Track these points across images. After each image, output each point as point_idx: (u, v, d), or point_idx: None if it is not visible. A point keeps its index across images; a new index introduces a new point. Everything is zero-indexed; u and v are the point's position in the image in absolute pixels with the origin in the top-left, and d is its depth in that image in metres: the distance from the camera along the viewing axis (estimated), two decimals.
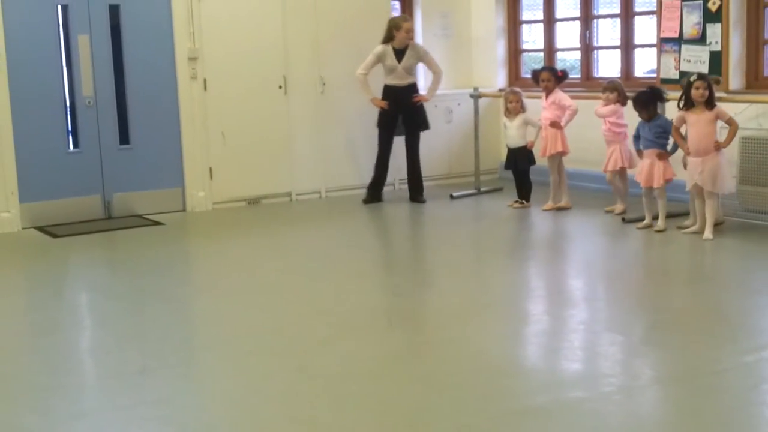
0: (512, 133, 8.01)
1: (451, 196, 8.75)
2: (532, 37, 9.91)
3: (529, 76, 8.85)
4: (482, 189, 8.99)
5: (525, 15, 9.76)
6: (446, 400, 3.88)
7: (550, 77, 7.92)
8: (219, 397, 4.06)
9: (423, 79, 9.00)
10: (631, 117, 7.31)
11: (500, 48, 9.76)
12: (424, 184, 8.77)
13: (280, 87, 8.71)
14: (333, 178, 8.95)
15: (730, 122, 6.56)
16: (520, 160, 8.08)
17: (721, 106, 6.60)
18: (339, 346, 4.66)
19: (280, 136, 8.71)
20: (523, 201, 8.12)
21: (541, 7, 9.45)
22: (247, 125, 8.56)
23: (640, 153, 7.06)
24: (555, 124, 7.83)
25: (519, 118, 7.98)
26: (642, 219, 7.11)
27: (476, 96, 9.05)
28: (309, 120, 8.84)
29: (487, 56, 9.80)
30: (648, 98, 6.99)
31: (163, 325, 5.09)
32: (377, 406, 3.87)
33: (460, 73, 9.86)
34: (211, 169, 8.44)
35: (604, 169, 7.63)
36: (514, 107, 8.02)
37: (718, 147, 6.54)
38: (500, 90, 9.27)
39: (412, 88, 8.56)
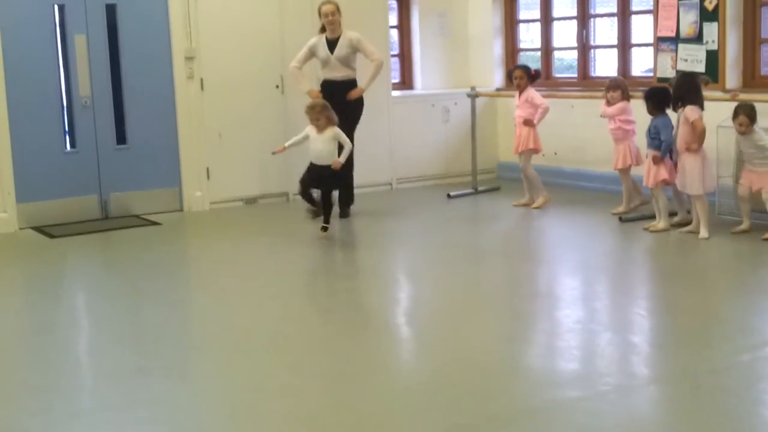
0: (319, 147, 7.15)
1: (449, 196, 8.75)
2: (530, 36, 9.91)
3: None
4: (479, 189, 8.99)
5: (522, 14, 9.77)
6: (442, 400, 3.88)
7: (523, 75, 7.96)
8: (215, 398, 4.05)
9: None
10: (638, 114, 7.24)
11: (497, 47, 9.76)
12: (422, 184, 8.73)
13: (277, 87, 8.70)
14: None
15: (695, 125, 6.51)
16: (328, 177, 7.16)
17: (691, 109, 6.52)
18: (334, 345, 4.66)
19: (277, 136, 8.67)
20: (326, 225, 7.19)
21: (538, 6, 9.45)
22: (244, 125, 8.56)
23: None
24: (528, 122, 7.89)
25: (329, 131, 7.17)
26: (639, 218, 7.12)
27: (473, 95, 9.04)
28: (306, 120, 8.81)
29: (484, 56, 9.80)
30: (651, 94, 6.94)
31: (159, 326, 5.09)
32: (373, 406, 3.87)
33: (457, 72, 9.86)
34: (208, 169, 8.44)
35: (614, 167, 7.57)
36: (325, 122, 7.13)
37: (688, 148, 6.55)
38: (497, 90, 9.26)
39: (350, 84, 7.89)
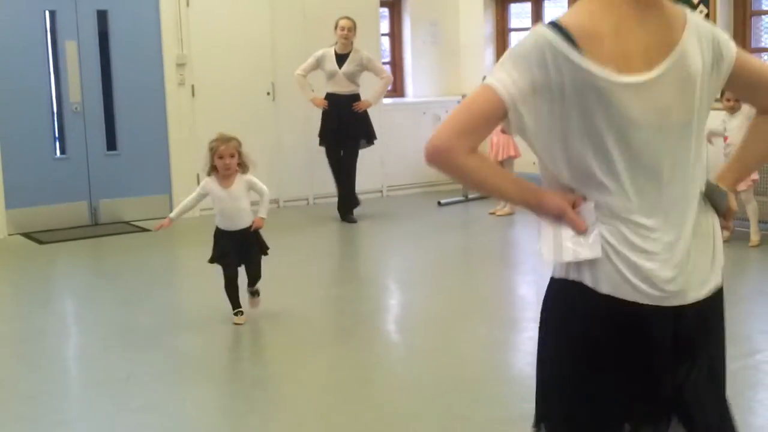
0: (229, 205, 5.04)
1: (439, 203, 8.76)
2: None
3: None
4: (470, 196, 9.01)
5: (513, 22, 9.80)
6: (433, 407, 3.88)
7: None
8: (204, 405, 4.05)
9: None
10: None
11: (488, 55, 9.78)
12: (412, 191, 8.74)
13: (268, 93, 8.71)
14: (321, 185, 8.94)
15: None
16: (250, 244, 5.14)
17: None
18: (326, 353, 4.66)
19: (268, 142, 8.69)
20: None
21: (530, 15, 9.48)
22: (235, 131, 8.45)
23: None
24: (505, 129, 7.91)
25: (240, 182, 5.05)
26: None
27: None
28: (297, 127, 8.83)
29: (475, 64, 9.82)
30: None
31: (149, 333, 5.07)
32: (364, 414, 3.87)
33: (449, 80, 9.88)
34: (198, 176, 8.39)
35: None
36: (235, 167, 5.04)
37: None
38: None
39: (355, 98, 7.97)
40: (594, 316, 1.97)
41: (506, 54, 1.97)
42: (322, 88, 8.07)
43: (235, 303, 5.07)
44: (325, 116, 8.02)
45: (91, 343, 4.99)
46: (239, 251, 5.06)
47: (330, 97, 7.96)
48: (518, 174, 8.25)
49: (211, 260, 5.12)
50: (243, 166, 5.02)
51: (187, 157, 8.38)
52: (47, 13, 7.83)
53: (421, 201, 8.90)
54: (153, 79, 8.24)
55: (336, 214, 8.22)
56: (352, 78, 7.94)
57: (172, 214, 5.20)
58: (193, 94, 8.38)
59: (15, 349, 4.93)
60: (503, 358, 4.61)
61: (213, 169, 5.02)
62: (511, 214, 8.04)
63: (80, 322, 5.56)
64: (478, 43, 9.78)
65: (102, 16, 8.03)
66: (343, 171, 8.08)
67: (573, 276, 2.00)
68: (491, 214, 8.17)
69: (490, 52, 9.79)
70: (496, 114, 1.95)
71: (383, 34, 9.70)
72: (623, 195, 1.93)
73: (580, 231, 1.96)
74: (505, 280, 6.21)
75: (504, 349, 4.72)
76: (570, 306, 2.02)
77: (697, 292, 1.99)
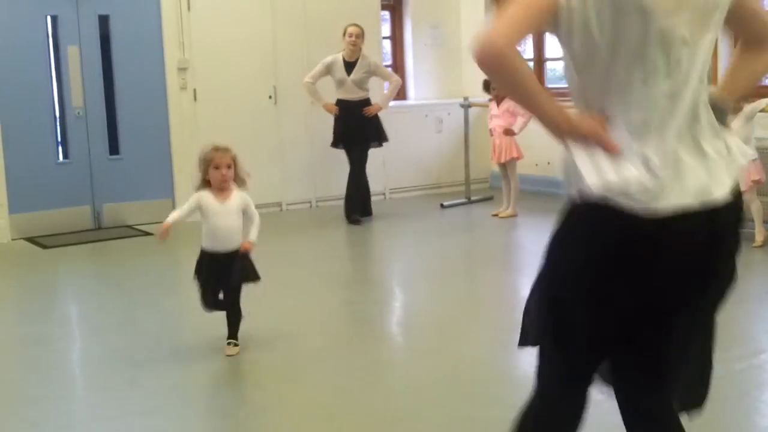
0: (221, 223, 4.57)
1: (442, 206, 8.76)
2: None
3: None
4: (473, 198, 9.01)
5: None
6: (437, 408, 3.87)
7: None
8: (208, 408, 4.04)
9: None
10: None
11: None
12: (415, 194, 8.76)
13: (270, 97, 8.71)
14: (323, 188, 8.96)
15: None
16: (236, 268, 4.62)
17: None
18: (328, 355, 4.65)
19: (271, 146, 8.71)
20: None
21: None
22: (237, 135, 8.49)
23: None
24: (509, 132, 7.95)
25: (237, 197, 4.63)
26: None
27: (466, 105, 9.06)
28: (299, 130, 8.84)
29: (477, 66, 9.79)
30: None
31: (152, 336, 5.07)
32: (366, 415, 3.86)
33: (450, 83, 9.89)
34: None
35: None
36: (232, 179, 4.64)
37: None
38: None
39: (365, 103, 8.10)
40: (628, 237, 1.97)
41: None
42: (331, 93, 8.11)
43: (230, 329, 4.65)
44: (337, 120, 8.11)
45: (95, 347, 4.99)
46: (220, 277, 4.56)
47: (340, 103, 8.05)
48: (520, 176, 8.26)
49: (202, 294, 4.63)
50: (239, 180, 4.59)
51: (189, 160, 8.34)
52: (49, 18, 7.84)
53: (423, 203, 8.90)
54: (155, 84, 8.25)
55: (336, 217, 8.29)
56: (360, 84, 8.04)
57: (170, 218, 4.57)
58: (195, 98, 8.39)
59: (19, 354, 4.93)
60: (507, 359, 4.60)
61: (206, 184, 4.56)
62: (514, 215, 8.04)
63: (84, 327, 5.56)
64: None
65: (104, 21, 8.04)
66: (355, 172, 8.15)
67: (601, 198, 1.96)
68: (494, 215, 8.17)
69: None
70: (550, 13, 1.92)
71: (384, 37, 9.71)
72: (653, 95, 1.96)
73: (615, 151, 1.95)
74: (507, 282, 6.20)
75: (507, 351, 4.71)
76: (597, 226, 2.01)
77: (722, 190, 2.02)
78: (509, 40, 1.88)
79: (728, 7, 2.07)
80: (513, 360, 4.61)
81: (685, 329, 2.14)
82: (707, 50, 2.04)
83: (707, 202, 1.99)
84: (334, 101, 8.08)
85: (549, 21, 1.94)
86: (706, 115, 2.05)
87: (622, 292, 2.03)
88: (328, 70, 8.05)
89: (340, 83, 8.03)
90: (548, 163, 8.87)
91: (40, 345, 4.97)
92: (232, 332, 4.66)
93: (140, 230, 8.01)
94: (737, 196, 2.09)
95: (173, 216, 4.60)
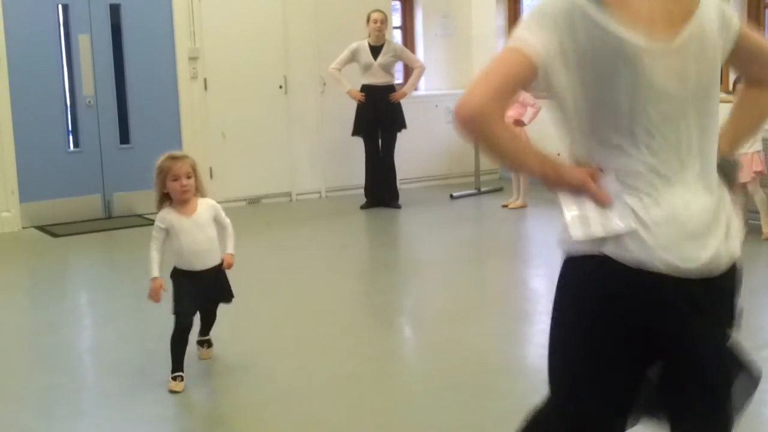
0: (191, 238, 4.18)
1: (451, 196, 8.76)
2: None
3: None
4: (482, 189, 9.00)
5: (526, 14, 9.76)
6: (448, 399, 3.88)
7: None
8: (218, 396, 4.06)
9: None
10: None
11: (501, 47, 9.74)
12: (425, 184, 8.76)
13: (281, 87, 8.71)
14: (333, 178, 8.96)
15: None
16: (215, 287, 4.28)
17: None
18: (338, 345, 4.67)
19: (281, 135, 8.71)
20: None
21: None
22: (248, 125, 8.57)
23: None
24: (519, 122, 7.92)
25: (204, 207, 4.25)
26: None
27: None
28: (309, 120, 8.84)
29: (487, 56, 9.75)
30: None
31: (162, 325, 5.07)
32: (377, 406, 3.87)
33: (461, 72, 9.86)
34: (211, 169, 8.43)
35: None
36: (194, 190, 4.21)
37: None
38: None
39: (390, 88, 8.20)
40: (619, 289, 1.93)
41: (531, 13, 1.92)
42: (357, 80, 8.19)
43: (179, 364, 4.05)
44: (360, 107, 8.16)
45: (105, 336, 5.01)
46: (201, 297, 4.17)
47: (366, 88, 8.13)
48: None
49: (176, 312, 4.12)
50: (200, 189, 4.15)
51: (199, 150, 8.37)
52: (60, 6, 7.85)
53: (433, 194, 8.90)
54: (166, 73, 8.26)
55: (346, 207, 8.27)
56: (387, 69, 8.15)
57: (155, 273, 4.15)
58: (205, 88, 8.39)
59: (29, 342, 4.96)
60: (515, 350, 4.61)
61: (165, 198, 4.13)
62: (523, 206, 8.03)
63: (94, 315, 5.59)
64: (490, 35, 9.75)
65: (115, 10, 8.04)
66: (386, 161, 8.29)
67: (594, 250, 1.94)
68: (504, 206, 8.16)
69: (502, 43, 9.75)
70: (528, 77, 1.89)
71: (395, 27, 9.69)
72: (644, 161, 1.91)
73: (605, 204, 1.92)
74: (517, 273, 6.20)
75: (516, 342, 4.72)
76: (592, 281, 1.97)
77: (718, 264, 2.01)
78: (484, 104, 1.85)
79: (730, 46, 2.01)
80: (523, 350, 4.62)
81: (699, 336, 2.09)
82: (708, 106, 1.98)
83: (700, 269, 1.95)
84: (359, 88, 8.16)
85: (530, 80, 1.90)
86: (708, 170, 1.99)
87: (620, 342, 1.98)
88: (354, 56, 8.14)
89: (366, 68, 8.11)
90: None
91: (49, 333, 4.99)
92: (205, 332, 4.44)
93: (150, 219, 8.01)
94: (733, 265, 2.07)
95: (155, 263, 4.14)
